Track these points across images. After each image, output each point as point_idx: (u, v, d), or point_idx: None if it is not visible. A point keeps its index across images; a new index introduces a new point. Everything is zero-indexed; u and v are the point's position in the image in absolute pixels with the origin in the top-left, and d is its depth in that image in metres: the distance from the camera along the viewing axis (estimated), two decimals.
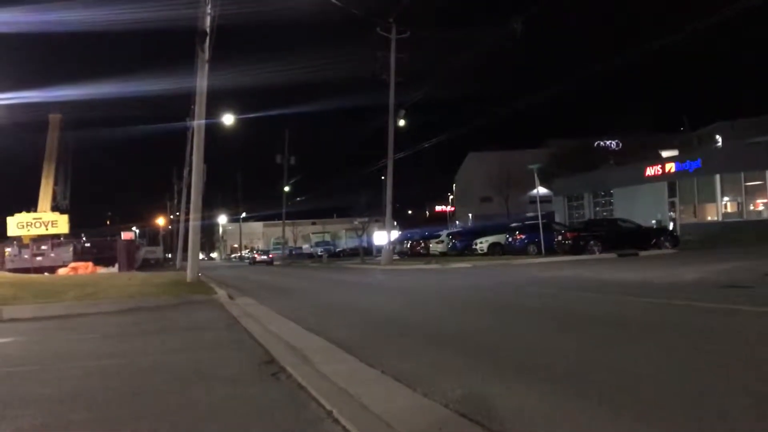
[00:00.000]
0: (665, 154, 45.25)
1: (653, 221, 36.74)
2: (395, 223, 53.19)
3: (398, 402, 3.76)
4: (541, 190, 35.65)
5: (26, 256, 38.47)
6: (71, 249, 39.93)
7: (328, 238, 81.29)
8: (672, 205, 40.78)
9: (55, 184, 46.18)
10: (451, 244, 40.12)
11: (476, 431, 3.16)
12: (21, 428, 3.66)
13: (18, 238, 43.31)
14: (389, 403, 3.68)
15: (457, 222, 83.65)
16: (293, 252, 73.85)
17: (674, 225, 38.85)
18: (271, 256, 69.15)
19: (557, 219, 44.91)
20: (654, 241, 27.62)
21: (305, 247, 79.77)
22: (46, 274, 31.40)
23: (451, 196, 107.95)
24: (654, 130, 60.28)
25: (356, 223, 49.95)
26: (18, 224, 43.94)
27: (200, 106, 18.67)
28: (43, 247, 39.70)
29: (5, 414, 4.03)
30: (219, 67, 20.96)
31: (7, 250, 39.48)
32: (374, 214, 47.15)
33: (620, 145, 65.44)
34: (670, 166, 40.51)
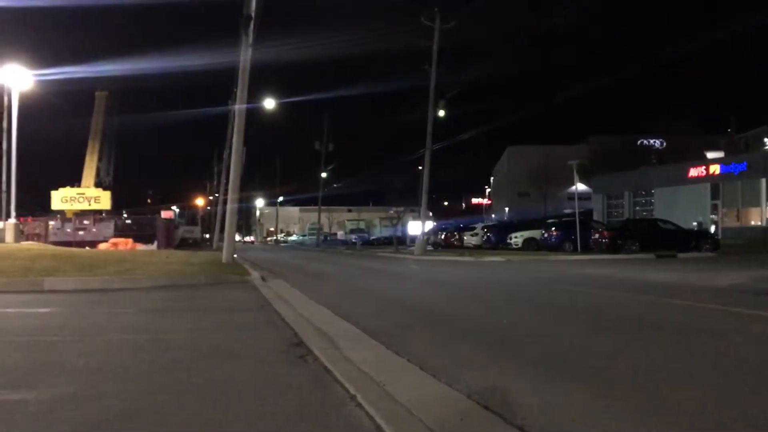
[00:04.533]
0: (710, 155, 44.32)
1: (694, 223, 36.02)
2: (430, 213, 53.08)
3: (422, 390, 3.79)
4: (580, 187, 35.20)
5: (69, 230, 39.43)
6: (112, 225, 40.79)
7: (362, 225, 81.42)
8: (714, 208, 39.94)
9: (99, 160, 47.26)
10: (485, 237, 39.91)
11: (497, 423, 3.17)
12: (56, 395, 3.79)
13: (61, 212, 44.48)
14: (413, 391, 3.70)
15: (493, 215, 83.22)
16: (328, 238, 74.32)
17: (716, 228, 38.07)
18: (252, 239, 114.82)
19: (595, 217, 44.35)
20: (694, 243, 27.08)
21: (340, 233, 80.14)
22: (87, 248, 32.14)
23: (488, 189, 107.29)
24: (700, 130, 58.99)
25: (391, 212, 49.97)
26: (62, 198, 45.14)
27: (242, 90, 18.81)
28: (85, 222, 40.63)
29: (42, 381, 4.17)
30: (261, 49, 21.03)
31: (51, 223, 40.52)
32: (410, 204, 47.10)
33: (664, 144, 64.16)
34: (715, 168, 39.63)
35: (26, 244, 29.77)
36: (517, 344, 5.75)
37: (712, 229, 37.49)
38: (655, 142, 65.53)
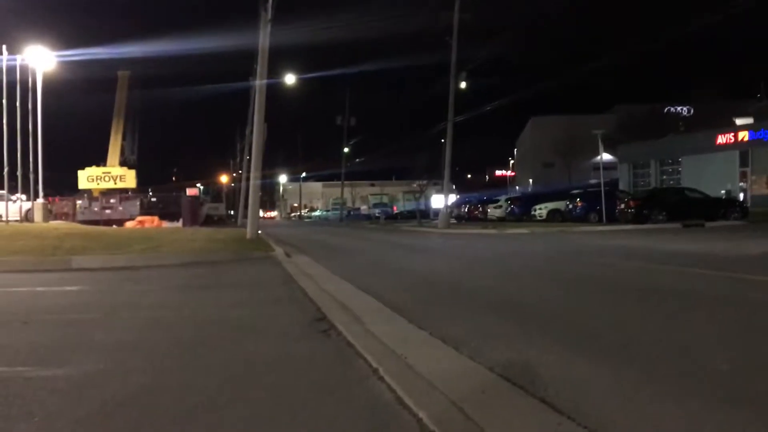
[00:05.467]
0: (739, 122, 43.46)
1: (722, 191, 35.44)
2: (453, 186, 52.87)
3: (443, 363, 3.79)
4: (606, 157, 34.80)
5: (96, 209, 39.95)
6: (138, 203, 41.24)
7: (386, 200, 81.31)
8: (743, 176, 39.24)
9: (124, 139, 47.66)
10: (509, 209, 39.71)
11: (519, 395, 3.16)
12: (84, 372, 3.86)
13: (88, 191, 45.07)
14: (434, 364, 3.71)
15: (517, 187, 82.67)
16: (351, 213, 74.48)
17: (744, 196, 37.43)
18: (271, 215, 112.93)
19: (621, 187, 43.83)
20: (722, 212, 26.68)
21: (363, 208, 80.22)
22: (114, 226, 32.62)
23: (512, 161, 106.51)
24: (729, 96, 57.72)
25: (414, 185, 49.84)
26: (88, 177, 45.72)
27: (262, 66, 18.82)
28: (111, 201, 41.13)
29: (71, 358, 4.25)
30: (281, 25, 20.99)
31: (78, 202, 41.10)
32: (433, 177, 46.92)
33: (692, 111, 62.96)
34: (744, 135, 38.90)
35: (54, 223, 30.35)
36: (540, 317, 5.73)
37: (741, 197, 36.87)
38: (682, 109, 64.35)
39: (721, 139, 40.29)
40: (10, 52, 30.23)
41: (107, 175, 45.81)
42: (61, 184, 52.96)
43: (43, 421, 2.96)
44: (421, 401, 3.04)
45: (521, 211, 37.79)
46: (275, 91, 33.82)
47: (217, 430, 2.82)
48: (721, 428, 2.71)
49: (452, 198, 46.73)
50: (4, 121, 28.57)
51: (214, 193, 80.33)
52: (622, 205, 28.33)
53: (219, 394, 3.39)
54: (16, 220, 32.10)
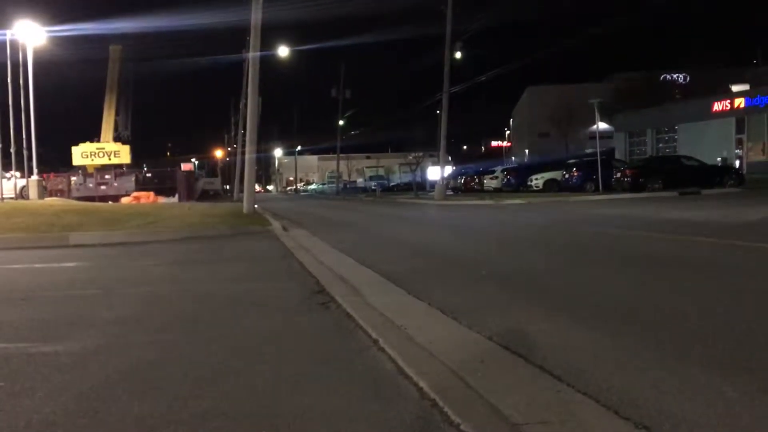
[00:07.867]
0: (735, 88, 43.26)
1: (718, 159, 35.43)
2: (449, 158, 52.74)
3: (443, 333, 3.82)
4: (602, 126, 34.72)
5: (91, 185, 39.83)
6: (133, 179, 41.13)
7: (382, 172, 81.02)
8: (739, 143, 39.18)
9: (117, 115, 47.28)
10: (505, 180, 39.69)
11: (518, 363, 3.19)
12: (87, 347, 3.88)
13: (83, 168, 44.86)
14: (434, 335, 3.74)
15: (513, 158, 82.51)
16: (347, 186, 74.35)
17: (740, 163, 37.44)
18: (259, 188, 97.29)
19: (617, 156, 43.76)
20: (718, 179, 26.74)
21: (359, 181, 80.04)
22: (109, 202, 32.54)
23: (508, 132, 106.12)
24: (725, 63, 57.38)
25: (410, 157, 49.67)
26: (82, 154, 45.44)
27: (255, 39, 18.63)
28: (106, 177, 40.99)
29: (71, 334, 4.27)
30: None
31: (73, 179, 40.93)
32: (429, 149, 46.77)
33: (688, 78, 62.61)
34: (740, 102, 38.74)
35: (50, 200, 30.26)
36: (537, 287, 5.76)
37: (737, 164, 36.88)
38: (678, 76, 63.98)
39: (717, 107, 40.14)
40: (0, 27, 29.86)
41: (101, 151, 45.52)
42: (55, 160, 52.73)
43: (47, 396, 2.98)
44: (421, 371, 3.06)
45: (517, 181, 37.77)
46: (269, 64, 33.58)
47: (220, 400, 2.84)
48: (719, 392, 2.74)
49: (448, 170, 46.61)
50: None
51: (209, 167, 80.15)
52: (619, 174, 28.36)
53: (221, 365, 3.41)
54: (11, 198, 31.99)
